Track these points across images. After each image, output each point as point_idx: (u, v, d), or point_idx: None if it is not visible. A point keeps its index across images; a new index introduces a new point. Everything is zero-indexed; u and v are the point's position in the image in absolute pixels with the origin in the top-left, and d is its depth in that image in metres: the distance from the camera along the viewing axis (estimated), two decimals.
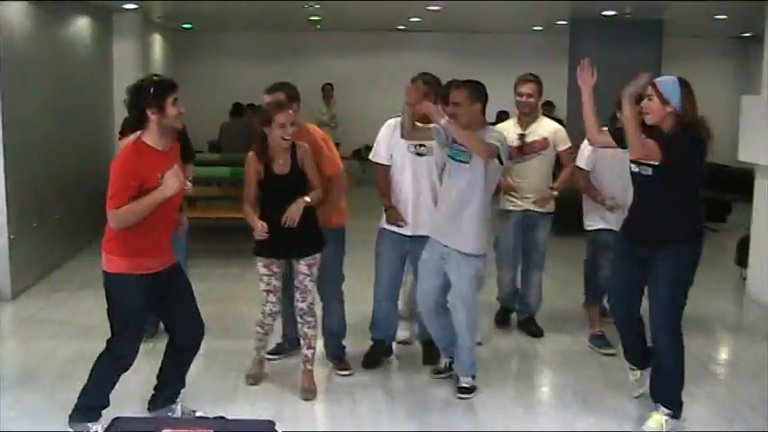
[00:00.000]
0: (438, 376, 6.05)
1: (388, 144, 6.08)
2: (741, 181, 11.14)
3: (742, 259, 8.74)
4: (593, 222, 6.66)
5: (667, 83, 5.03)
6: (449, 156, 5.60)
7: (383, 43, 16.05)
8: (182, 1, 11.31)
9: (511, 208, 6.91)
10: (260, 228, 5.39)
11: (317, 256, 5.67)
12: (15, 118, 8.03)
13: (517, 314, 7.33)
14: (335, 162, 5.98)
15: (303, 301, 5.68)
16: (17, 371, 6.32)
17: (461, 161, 5.48)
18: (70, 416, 4.92)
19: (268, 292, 5.71)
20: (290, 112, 5.47)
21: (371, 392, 5.81)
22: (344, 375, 6.07)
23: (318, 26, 14.94)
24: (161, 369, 5.17)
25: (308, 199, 5.51)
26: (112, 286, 4.76)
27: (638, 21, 11.72)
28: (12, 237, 7.99)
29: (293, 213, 5.43)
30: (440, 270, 5.67)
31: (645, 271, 5.12)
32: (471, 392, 5.73)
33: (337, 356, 6.24)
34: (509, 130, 6.75)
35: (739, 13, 11.66)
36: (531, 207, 6.84)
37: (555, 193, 6.82)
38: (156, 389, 5.20)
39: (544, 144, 6.82)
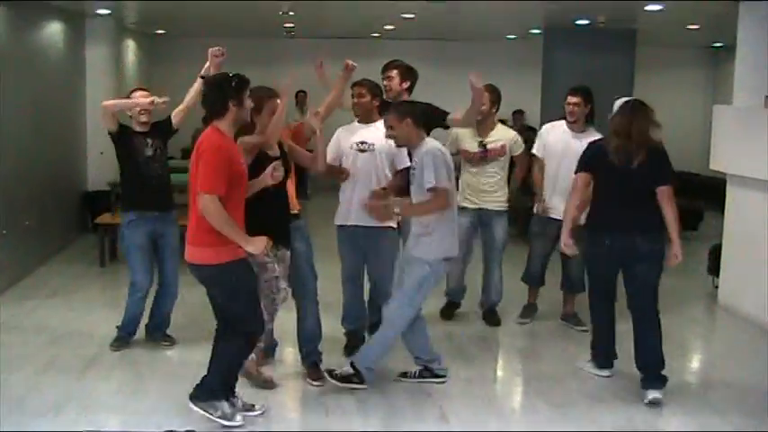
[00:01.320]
0: (405, 380, 6.06)
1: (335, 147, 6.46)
2: (712, 189, 11.20)
3: (713, 268, 8.78)
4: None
5: (615, 105, 5.86)
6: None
7: (357, 51, 15.83)
8: (151, 1, 11.18)
9: (465, 205, 7.28)
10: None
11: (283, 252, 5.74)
12: None
13: (480, 305, 7.73)
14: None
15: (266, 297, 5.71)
16: None
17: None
18: (196, 396, 5.13)
19: (276, 278, 5.73)
20: (278, 101, 5.63)
21: (343, 401, 5.76)
22: (316, 386, 5.95)
23: (292, 33, 14.92)
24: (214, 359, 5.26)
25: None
26: (230, 275, 4.98)
27: (611, 30, 11.79)
28: None
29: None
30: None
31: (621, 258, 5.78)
32: (339, 381, 5.76)
33: (312, 363, 6.09)
34: (468, 137, 7.32)
35: (711, 23, 11.75)
36: (486, 206, 7.36)
37: None
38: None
39: (503, 151, 7.36)
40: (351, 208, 6.32)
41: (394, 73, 6.83)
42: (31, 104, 9.42)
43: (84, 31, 11.75)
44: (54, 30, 10.51)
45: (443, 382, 6.03)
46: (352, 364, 5.82)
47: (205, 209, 4.77)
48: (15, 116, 8.88)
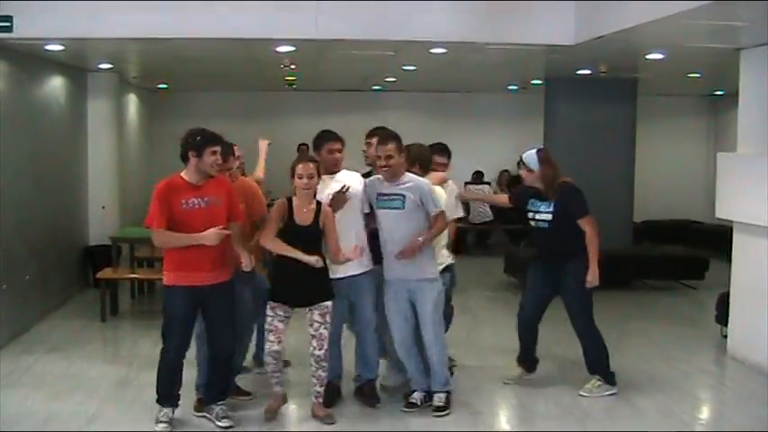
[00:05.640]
0: (409, 409, 6.49)
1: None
2: (718, 237, 11.15)
3: (722, 317, 8.67)
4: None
5: (529, 156, 6.87)
6: (379, 207, 6.37)
7: (358, 103, 16.06)
8: (152, 56, 11.27)
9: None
10: (315, 261, 5.93)
11: (329, 304, 6.12)
12: None
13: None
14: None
15: (320, 349, 6.13)
16: None
17: (395, 208, 6.30)
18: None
19: (269, 331, 6.09)
20: (310, 164, 6.10)
21: None
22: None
23: (294, 86, 14.96)
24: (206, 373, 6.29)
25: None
26: (167, 296, 5.97)
27: (612, 79, 11.79)
28: None
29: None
30: (408, 310, 6.43)
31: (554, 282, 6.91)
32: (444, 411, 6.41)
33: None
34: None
35: (712, 71, 11.76)
36: None
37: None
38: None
39: None
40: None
41: (375, 140, 6.62)
42: (32, 158, 9.40)
43: (86, 86, 11.77)
44: (56, 84, 10.54)
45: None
46: (439, 392, 6.48)
47: (156, 244, 6.07)
48: (16, 170, 8.86)
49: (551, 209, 6.79)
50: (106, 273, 9.88)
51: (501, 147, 15.99)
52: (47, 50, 9.07)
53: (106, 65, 11.35)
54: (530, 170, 6.86)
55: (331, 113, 15.32)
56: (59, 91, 10.68)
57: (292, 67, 11.44)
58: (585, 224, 6.72)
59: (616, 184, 12.13)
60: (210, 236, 5.72)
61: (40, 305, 9.52)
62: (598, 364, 6.99)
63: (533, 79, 13.13)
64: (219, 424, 6.06)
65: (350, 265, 6.26)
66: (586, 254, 6.69)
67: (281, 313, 6.07)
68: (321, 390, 6.26)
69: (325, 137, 6.54)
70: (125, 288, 10.34)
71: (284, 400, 6.41)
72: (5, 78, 8.64)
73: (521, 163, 6.91)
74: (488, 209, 15.11)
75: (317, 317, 6.09)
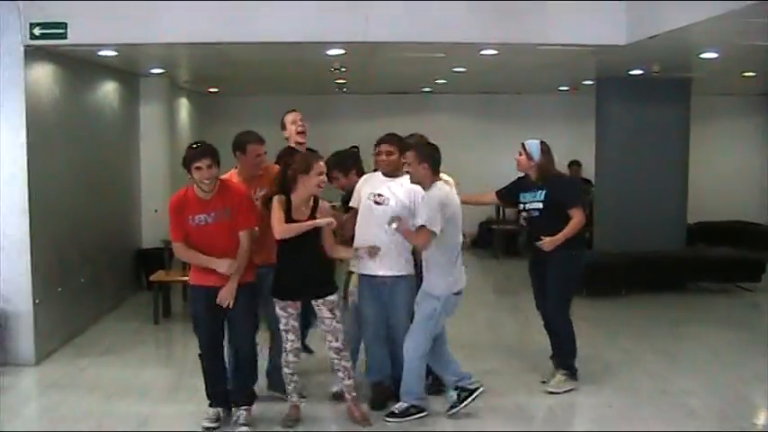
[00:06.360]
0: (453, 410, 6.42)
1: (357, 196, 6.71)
2: None
3: None
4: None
5: (532, 144, 7.04)
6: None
7: (408, 105, 16.04)
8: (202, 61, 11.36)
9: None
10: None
11: (334, 298, 6.16)
12: (42, 182, 8.04)
13: None
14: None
15: (337, 341, 6.15)
16: None
17: None
18: None
19: (287, 331, 6.12)
20: (321, 163, 6.15)
21: None
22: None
23: (344, 89, 14.99)
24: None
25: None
26: (189, 297, 6.41)
27: (665, 79, 11.63)
28: (36, 301, 7.94)
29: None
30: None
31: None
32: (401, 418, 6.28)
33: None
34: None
35: (767, 70, 11.56)
36: None
37: None
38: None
39: None
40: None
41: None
42: (85, 163, 9.52)
43: (138, 90, 11.89)
44: (109, 89, 10.66)
45: (481, 393, 6.37)
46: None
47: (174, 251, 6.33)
48: (70, 174, 8.99)
49: (542, 198, 6.96)
50: (158, 275, 9.97)
51: (552, 148, 15.84)
52: (100, 56, 9.17)
53: (158, 69, 11.46)
54: (530, 158, 7.02)
55: (381, 116, 15.31)
56: (112, 96, 10.81)
57: (342, 69, 11.46)
58: (575, 213, 6.85)
59: (669, 186, 11.98)
60: (222, 265, 5.88)
61: (93, 308, 9.63)
62: (567, 359, 7.12)
63: (584, 80, 13.01)
64: (237, 430, 6.08)
65: (384, 264, 6.38)
66: (570, 247, 6.87)
67: (293, 311, 6.11)
68: (351, 383, 6.25)
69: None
70: (177, 290, 10.42)
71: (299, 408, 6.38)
72: (60, 84, 8.75)
73: (522, 148, 7.04)
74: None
75: (326, 313, 6.12)
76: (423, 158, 6.16)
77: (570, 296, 7.12)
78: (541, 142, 7.10)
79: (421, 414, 6.31)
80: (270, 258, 6.22)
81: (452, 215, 6.19)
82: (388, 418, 6.28)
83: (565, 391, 6.95)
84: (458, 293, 6.32)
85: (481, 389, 6.41)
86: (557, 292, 7.03)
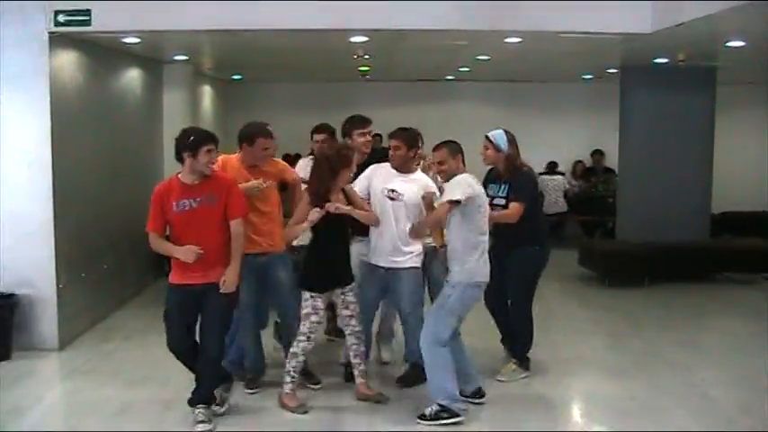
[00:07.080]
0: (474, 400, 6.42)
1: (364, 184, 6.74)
2: None
3: None
4: None
5: (497, 136, 6.89)
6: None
7: (431, 93, 16.01)
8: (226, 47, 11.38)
9: None
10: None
11: (354, 284, 6.44)
12: (66, 168, 8.09)
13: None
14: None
15: (359, 324, 6.43)
16: (65, 422, 6.28)
17: None
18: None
19: (308, 314, 6.26)
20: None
21: None
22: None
23: (367, 77, 14.96)
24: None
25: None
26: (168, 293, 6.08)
27: (690, 68, 11.53)
28: (60, 286, 8.00)
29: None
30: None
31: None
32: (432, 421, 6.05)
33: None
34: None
35: None
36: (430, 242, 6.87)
37: None
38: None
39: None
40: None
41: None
42: (109, 149, 9.56)
43: (161, 77, 11.93)
44: (132, 76, 10.69)
45: (458, 422, 6.05)
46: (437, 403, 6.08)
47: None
48: (94, 160, 9.03)
49: (505, 193, 6.92)
50: None
51: (575, 137, 15.82)
52: (123, 43, 9.21)
53: (181, 56, 11.48)
54: (498, 150, 6.89)
55: (404, 103, 15.31)
56: (136, 83, 10.84)
57: (365, 57, 11.44)
58: (515, 206, 6.76)
59: (694, 175, 11.86)
60: (183, 252, 5.86)
61: (117, 294, 9.69)
62: (521, 350, 7.21)
63: (608, 68, 12.92)
64: (195, 429, 5.87)
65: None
66: (534, 242, 7.01)
67: (320, 304, 6.30)
68: (365, 368, 6.48)
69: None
70: None
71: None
72: (84, 71, 8.78)
73: (488, 141, 6.90)
74: (562, 200, 14.89)
75: (351, 297, 6.37)
76: (454, 152, 6.19)
77: (532, 293, 7.16)
78: (505, 131, 6.99)
79: (454, 420, 6.01)
80: (276, 246, 6.45)
81: (481, 204, 6.13)
82: (419, 420, 6.06)
83: (516, 380, 7.04)
84: (477, 285, 6.13)
85: (462, 419, 6.04)
86: (522, 292, 7.11)
